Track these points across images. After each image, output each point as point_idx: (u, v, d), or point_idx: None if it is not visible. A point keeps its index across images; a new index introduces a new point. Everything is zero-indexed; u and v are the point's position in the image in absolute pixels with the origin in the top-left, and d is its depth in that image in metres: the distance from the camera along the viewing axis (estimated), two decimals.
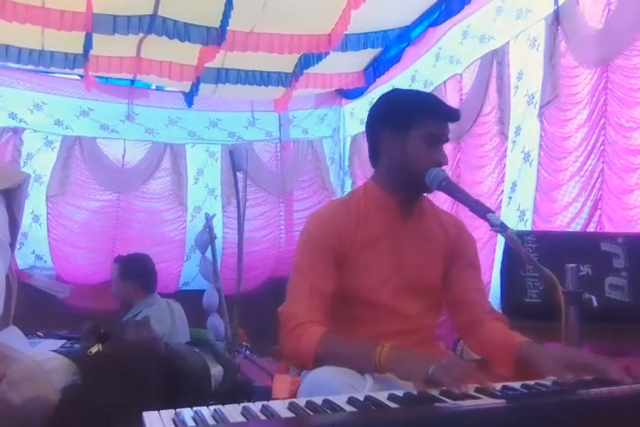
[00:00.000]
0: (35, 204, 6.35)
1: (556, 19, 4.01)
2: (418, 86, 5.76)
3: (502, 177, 4.54)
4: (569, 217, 3.79)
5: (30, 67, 5.57)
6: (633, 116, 3.40)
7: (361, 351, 1.33)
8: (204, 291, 4.57)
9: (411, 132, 1.55)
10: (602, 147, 3.63)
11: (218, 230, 6.29)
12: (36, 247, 6.47)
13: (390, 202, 1.61)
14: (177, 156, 6.94)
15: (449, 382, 1.10)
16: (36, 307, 5.41)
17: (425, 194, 1.67)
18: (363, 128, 7.13)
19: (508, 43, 4.58)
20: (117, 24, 4.89)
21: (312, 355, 1.39)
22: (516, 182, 4.38)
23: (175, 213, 6.94)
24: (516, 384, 1.17)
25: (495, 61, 4.66)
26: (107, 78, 6.47)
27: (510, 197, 4.43)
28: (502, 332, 1.54)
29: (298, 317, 1.46)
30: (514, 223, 4.28)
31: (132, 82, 6.61)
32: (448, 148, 5.09)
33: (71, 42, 5.15)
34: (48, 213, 6.47)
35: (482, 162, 4.77)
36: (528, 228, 4.11)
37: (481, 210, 1.49)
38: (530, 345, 1.43)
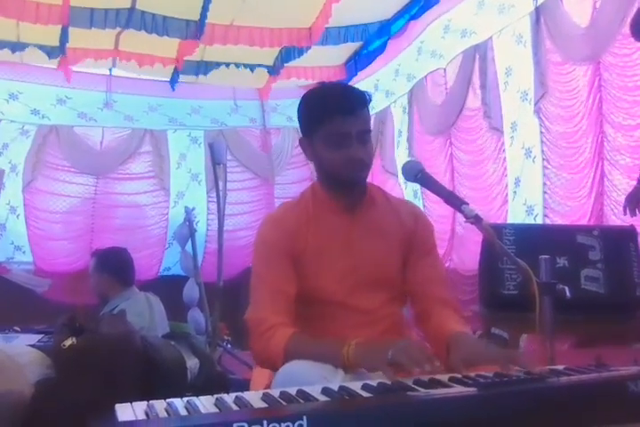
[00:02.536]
0: (11, 195, 6.28)
1: (538, 16, 4.04)
2: (402, 80, 5.80)
3: (504, 171, 4.57)
4: (581, 213, 3.85)
5: (6, 54, 5.45)
6: (629, 113, 3.44)
7: (329, 352, 1.33)
8: (184, 277, 4.54)
9: (314, 137, 1.53)
10: (602, 144, 3.67)
11: (202, 216, 6.24)
12: (15, 239, 6.42)
13: (335, 200, 1.59)
14: (158, 140, 6.83)
15: (408, 364, 1.12)
16: (14, 302, 5.36)
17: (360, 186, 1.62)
18: None
19: (490, 38, 4.61)
20: (95, 17, 4.83)
21: (281, 357, 1.39)
22: (520, 178, 4.42)
23: (157, 198, 6.84)
24: (489, 373, 1.18)
25: (478, 56, 4.68)
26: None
27: (515, 192, 4.48)
28: (444, 321, 1.53)
29: (265, 321, 1.46)
30: (521, 217, 4.34)
31: (110, 70, 6.53)
32: (438, 142, 5.16)
33: (47, 34, 5.07)
34: (25, 203, 6.39)
35: (477, 156, 4.80)
36: (538, 222, 4.19)
37: (455, 202, 1.50)
38: (455, 336, 1.43)
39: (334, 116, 1.47)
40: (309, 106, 1.56)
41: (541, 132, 4.16)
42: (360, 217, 1.60)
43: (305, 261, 1.54)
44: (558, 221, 4.01)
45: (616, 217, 3.54)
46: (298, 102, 1.59)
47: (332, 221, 1.58)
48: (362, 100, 1.51)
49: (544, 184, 4.17)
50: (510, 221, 4.38)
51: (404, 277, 1.63)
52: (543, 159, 4.16)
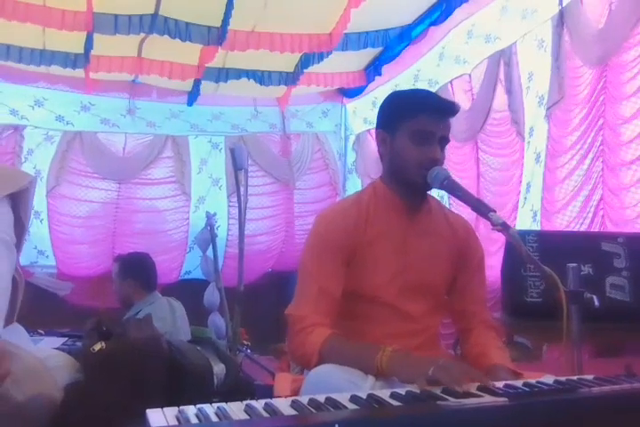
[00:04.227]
0: (36, 200, 6.30)
1: (561, 19, 4.01)
2: (422, 85, 5.75)
3: (520, 177, 4.53)
4: (569, 216, 3.79)
5: (31, 66, 5.56)
6: (626, 114, 3.40)
7: (363, 356, 1.34)
8: (204, 280, 4.57)
9: (397, 131, 1.57)
10: (601, 147, 3.63)
11: (222, 221, 6.28)
12: (38, 243, 6.47)
13: (397, 201, 1.62)
14: (179, 146, 6.91)
15: (449, 382, 1.12)
16: (37, 305, 5.40)
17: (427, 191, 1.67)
18: (366, 127, 7.09)
19: (514, 43, 4.58)
20: (118, 24, 4.88)
21: (316, 356, 1.41)
22: (530, 183, 4.38)
23: (178, 202, 6.90)
24: (518, 383, 1.18)
25: (502, 61, 4.66)
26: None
27: (525, 198, 4.42)
28: (484, 345, 1.57)
29: (305, 319, 1.48)
30: (528, 224, 4.26)
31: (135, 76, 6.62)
32: (466, 148, 5.09)
33: (72, 41, 5.15)
34: (49, 208, 6.47)
35: (501, 162, 4.76)
36: (539, 228, 4.10)
37: (483, 209, 1.49)
38: (492, 369, 1.44)
39: (426, 113, 1.52)
40: (403, 99, 1.61)
41: (547, 137, 4.12)
42: (417, 221, 1.63)
43: (358, 258, 1.55)
44: (550, 227, 3.94)
45: (612, 225, 3.49)
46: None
47: (389, 221, 1.60)
48: (453, 108, 1.57)
49: (542, 190, 4.13)
50: (518, 226, 4.31)
51: (450, 294, 1.67)
52: (545, 164, 4.12)
